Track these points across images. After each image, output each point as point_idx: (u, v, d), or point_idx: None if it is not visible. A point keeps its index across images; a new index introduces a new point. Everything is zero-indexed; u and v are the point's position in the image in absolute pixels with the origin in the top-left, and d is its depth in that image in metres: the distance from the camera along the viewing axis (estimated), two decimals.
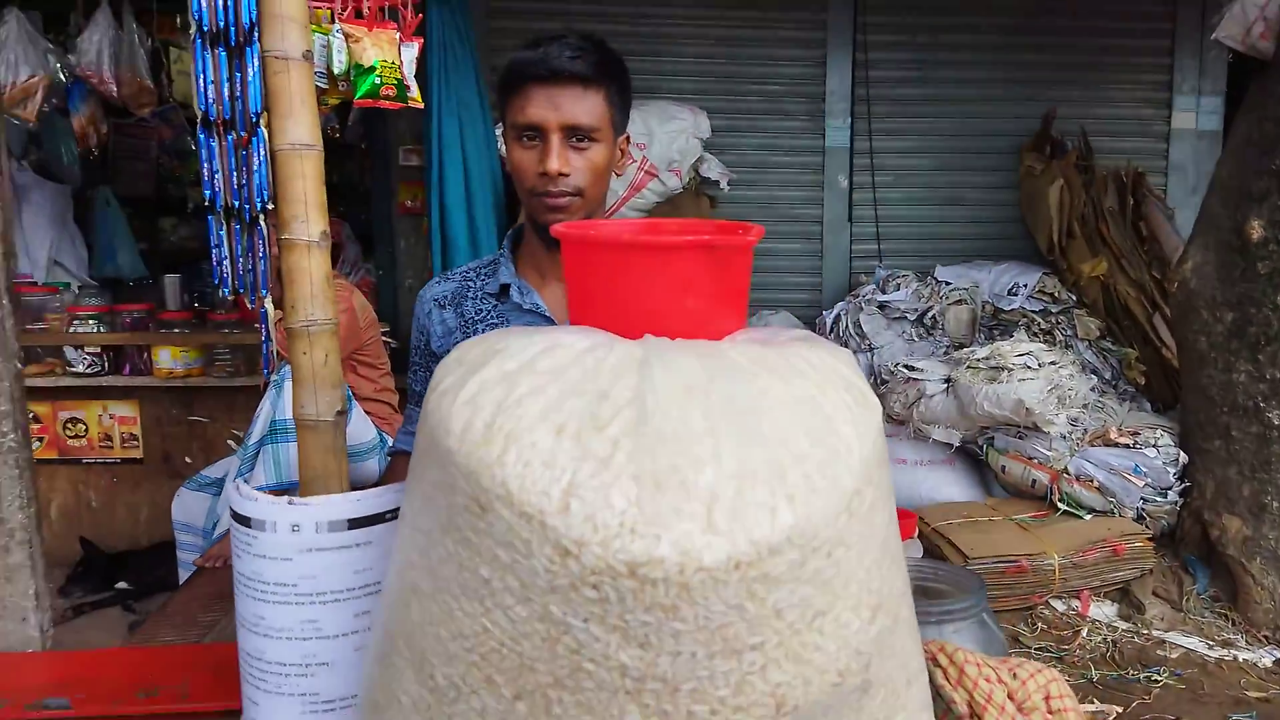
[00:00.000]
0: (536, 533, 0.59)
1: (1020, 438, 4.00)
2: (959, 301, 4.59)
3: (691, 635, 0.61)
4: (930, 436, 4.18)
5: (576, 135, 1.48)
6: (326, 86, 2.40)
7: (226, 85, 1.98)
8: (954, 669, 0.88)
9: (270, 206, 2.15)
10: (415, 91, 2.56)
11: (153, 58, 4.16)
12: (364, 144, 5.03)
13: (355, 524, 0.88)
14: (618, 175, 1.66)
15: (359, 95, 2.36)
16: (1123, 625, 3.47)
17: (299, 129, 2.20)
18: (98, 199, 5.19)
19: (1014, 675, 0.91)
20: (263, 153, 2.05)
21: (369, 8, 2.30)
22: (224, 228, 2.04)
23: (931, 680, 0.87)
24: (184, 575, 3.08)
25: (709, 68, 4.82)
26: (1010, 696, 0.91)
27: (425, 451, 0.71)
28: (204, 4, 1.93)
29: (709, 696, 0.61)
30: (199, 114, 2.02)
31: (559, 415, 0.64)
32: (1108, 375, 4.35)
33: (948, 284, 4.66)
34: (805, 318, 4.89)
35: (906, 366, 4.27)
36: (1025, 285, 4.58)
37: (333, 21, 2.30)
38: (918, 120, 5.01)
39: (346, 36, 2.30)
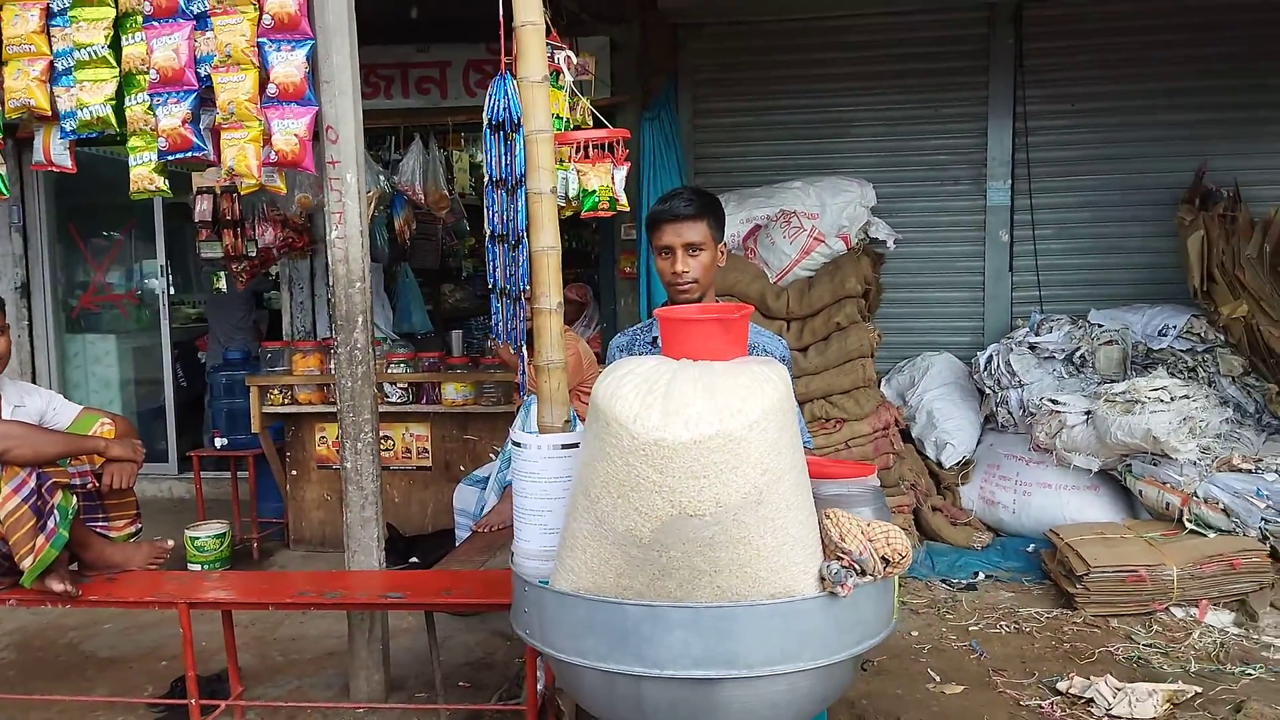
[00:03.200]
0: (624, 430, 1.56)
1: (1154, 464, 4.46)
2: (1109, 342, 5.06)
3: (679, 467, 1.53)
4: (1071, 463, 4.70)
5: (691, 249, 2.45)
6: (563, 205, 3.52)
7: (507, 211, 3.12)
8: (831, 518, 1.74)
9: (526, 288, 3.28)
10: (624, 199, 3.64)
11: (447, 169, 5.60)
12: (595, 222, 6.26)
13: (566, 447, 1.88)
14: (720, 266, 2.60)
15: (584, 210, 3.46)
16: (1234, 631, 3.87)
17: (546, 237, 3.36)
18: (400, 272, 6.75)
19: (867, 524, 1.74)
20: (524, 254, 3.17)
21: (592, 151, 3.41)
22: (500, 302, 3.18)
23: (820, 525, 1.74)
24: (460, 539, 4.29)
25: (877, 144, 5.64)
26: (862, 532, 1.73)
27: (591, 407, 1.68)
28: (493, 161, 3.09)
29: (689, 494, 1.52)
30: (488, 231, 3.19)
31: (636, 388, 1.61)
32: (1251, 409, 4.67)
33: (1100, 326, 5.15)
34: (966, 358, 5.51)
35: (1051, 400, 4.83)
36: (1174, 326, 4.99)
37: (568, 161, 3.43)
38: (1076, 178, 5.55)
39: (578, 171, 3.42)
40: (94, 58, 3.03)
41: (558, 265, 3.36)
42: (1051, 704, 3.32)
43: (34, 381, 6.83)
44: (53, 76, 3.10)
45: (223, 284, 6.20)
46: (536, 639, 1.77)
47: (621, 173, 3.62)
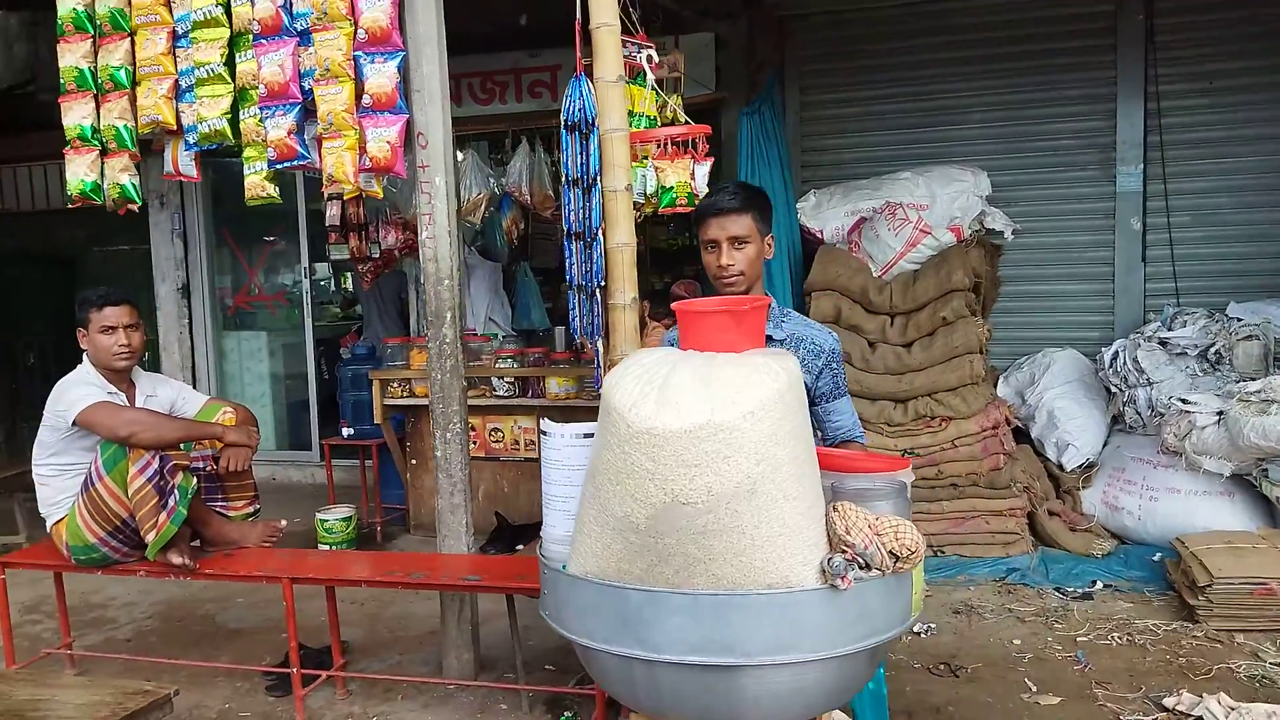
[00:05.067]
0: (621, 419, 1.60)
1: None
2: (1249, 337, 4.68)
3: (671, 455, 1.55)
4: (1202, 468, 4.38)
5: (736, 242, 2.47)
6: (641, 203, 3.58)
7: (582, 210, 3.22)
8: (839, 511, 1.70)
9: (602, 284, 3.36)
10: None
11: (553, 170, 5.77)
12: None
13: (587, 435, 1.94)
14: (767, 259, 2.59)
15: (662, 206, 3.52)
16: None
17: (621, 234, 3.44)
18: (519, 271, 6.99)
19: (876, 518, 1.69)
20: (599, 250, 3.26)
21: (671, 148, 3.46)
22: (576, 297, 3.28)
23: (826, 519, 1.72)
24: None
25: (993, 131, 5.42)
26: (870, 526, 1.69)
27: (602, 398, 1.74)
28: (569, 163, 3.20)
29: (680, 482, 1.55)
30: (564, 230, 3.30)
31: (637, 378, 1.65)
32: None
33: (1239, 320, 4.77)
34: (1094, 355, 5.23)
35: (1180, 400, 4.52)
36: None
37: (646, 159, 3.49)
38: (1215, 160, 5.16)
39: (656, 169, 3.47)
40: (211, 75, 3.32)
41: (632, 261, 3.44)
42: None
43: (194, 377, 7.49)
44: (178, 94, 3.42)
45: (350, 284, 6.58)
46: (554, 620, 1.84)
47: (704, 169, 3.64)
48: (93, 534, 3.32)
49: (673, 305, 1.88)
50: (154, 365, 7.77)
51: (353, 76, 3.19)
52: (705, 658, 1.61)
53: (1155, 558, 4.53)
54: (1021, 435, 5.27)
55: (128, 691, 2.58)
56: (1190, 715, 3.13)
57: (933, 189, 5.06)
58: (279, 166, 3.33)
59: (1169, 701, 3.22)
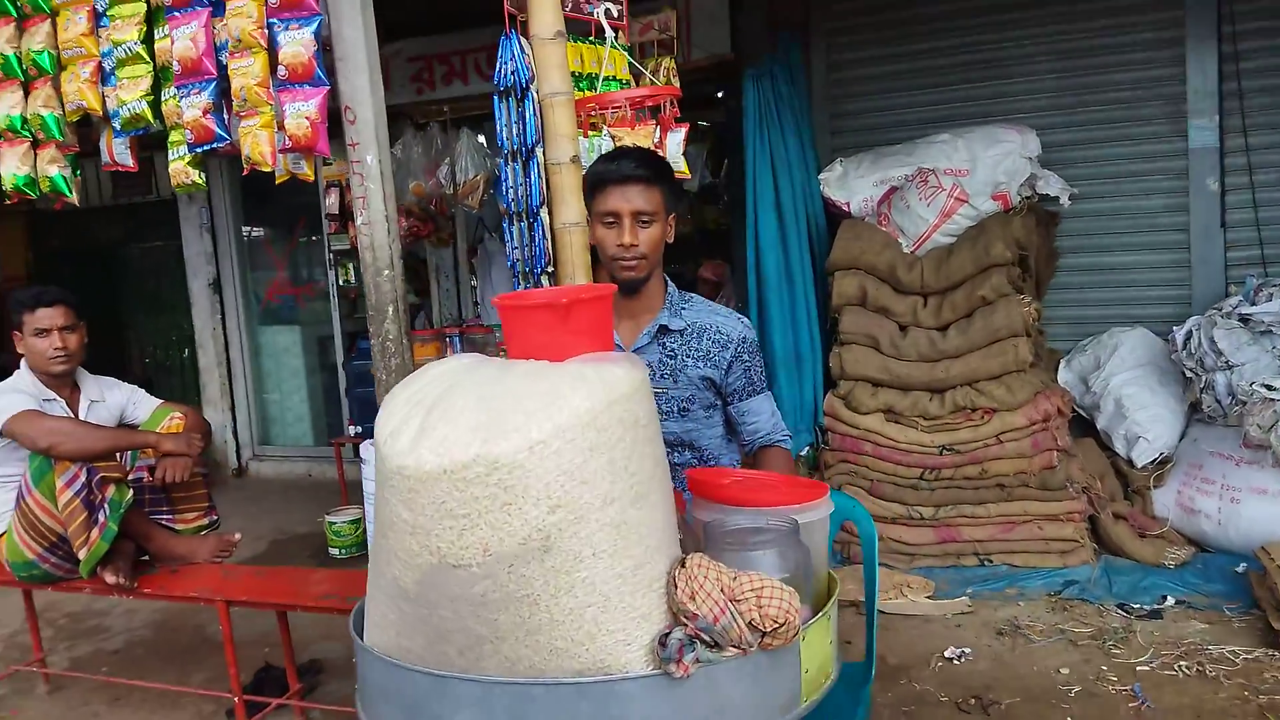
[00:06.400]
0: (379, 453, 1.22)
1: None
2: None
3: (431, 503, 1.16)
4: None
5: (642, 218, 2.05)
6: None
7: (520, 186, 2.85)
8: (686, 569, 1.27)
9: (550, 269, 2.97)
10: (682, 165, 3.24)
11: None
12: (724, 196, 5.83)
13: None
14: (669, 242, 2.17)
15: None
16: None
17: (569, 212, 3.03)
18: None
19: (734, 578, 1.25)
20: (540, 232, 2.87)
21: (629, 114, 3.03)
22: (521, 286, 2.91)
23: (668, 581, 1.29)
24: None
25: (1042, 85, 4.79)
26: (724, 590, 1.25)
27: None
28: (503, 134, 2.82)
29: (446, 538, 1.16)
30: (502, 209, 2.92)
31: (410, 397, 1.27)
32: None
33: None
34: (1167, 334, 4.58)
35: (1265, 385, 3.88)
36: None
37: (599, 127, 3.08)
38: None
39: (613, 137, 3.05)
40: (129, 54, 3.05)
41: (584, 244, 3.02)
42: None
43: (229, 371, 7.41)
44: (102, 77, 3.16)
45: (351, 276, 6.36)
46: (359, 699, 1.46)
47: (677, 136, 3.21)
48: (30, 550, 3.12)
49: (492, 300, 1.48)
50: (190, 361, 7.76)
51: (265, 47, 2.87)
52: None
53: (1239, 569, 3.92)
54: (1088, 427, 4.67)
55: None
56: None
57: (974, 151, 4.50)
58: (198, 150, 3.04)
59: None
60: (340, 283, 6.61)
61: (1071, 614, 3.81)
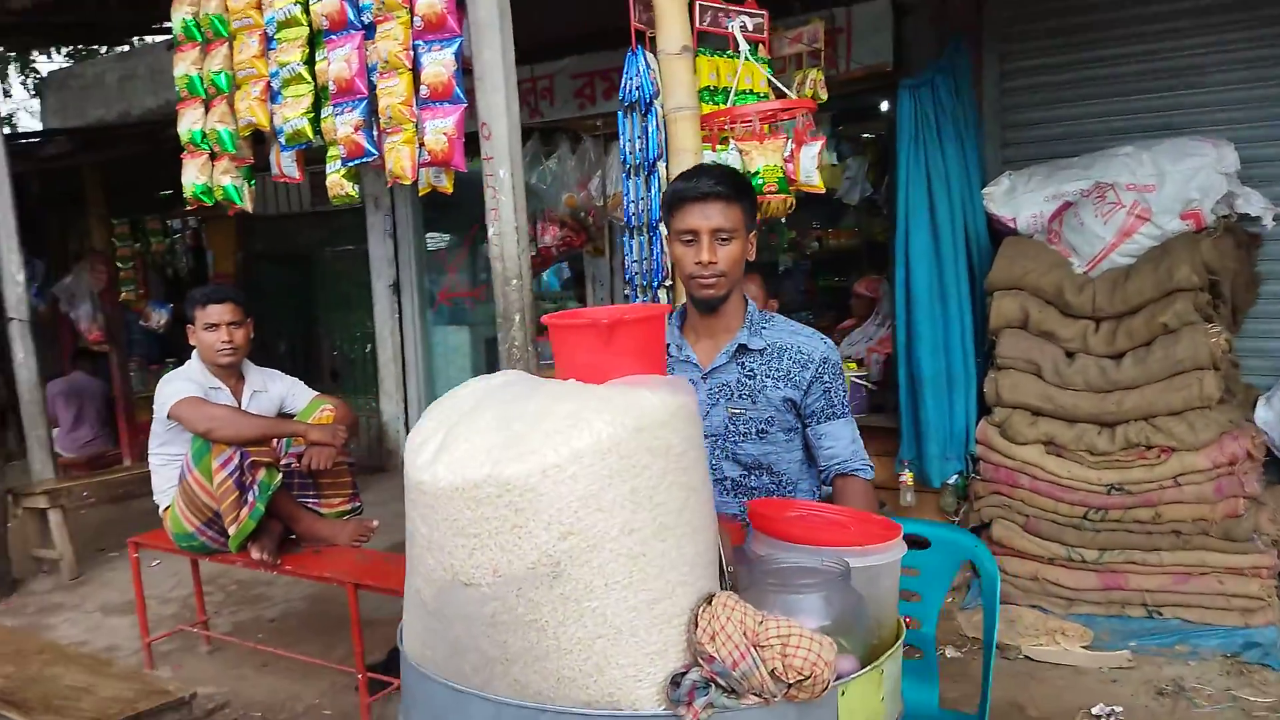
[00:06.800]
0: (405, 462, 1.24)
1: None
2: None
3: (445, 520, 1.15)
4: None
5: (720, 236, 1.98)
6: None
7: (642, 200, 2.85)
8: (711, 608, 1.17)
9: (669, 283, 2.95)
10: (816, 179, 3.13)
11: None
12: (885, 209, 5.59)
13: None
14: (750, 260, 2.09)
15: None
16: None
17: None
18: None
19: (760, 621, 1.13)
20: (660, 246, 2.86)
21: (759, 128, 2.96)
22: (638, 299, 2.92)
23: (692, 619, 1.21)
24: None
25: (1241, 95, 4.29)
26: (746, 634, 1.14)
27: None
28: (626, 149, 2.84)
29: (458, 556, 1.14)
30: (623, 224, 2.94)
31: (443, 412, 1.27)
32: None
33: None
34: None
35: None
36: None
37: (727, 141, 3.02)
38: None
39: (741, 152, 2.99)
40: (293, 75, 3.29)
41: None
42: None
43: (403, 369, 7.86)
44: (271, 96, 3.42)
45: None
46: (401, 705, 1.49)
47: (812, 150, 3.12)
48: (189, 523, 3.41)
49: (543, 319, 1.46)
50: (370, 357, 8.28)
51: (410, 67, 3.01)
52: None
53: None
54: None
55: (151, 690, 2.58)
56: None
57: (1161, 166, 4.09)
58: (350, 164, 3.23)
59: None
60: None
61: (1249, 679, 3.40)
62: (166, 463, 3.55)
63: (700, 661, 1.17)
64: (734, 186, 2.01)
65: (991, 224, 4.48)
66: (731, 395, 2.07)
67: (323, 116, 3.31)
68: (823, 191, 3.18)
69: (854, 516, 1.61)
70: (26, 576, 5.08)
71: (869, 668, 1.28)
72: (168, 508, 3.54)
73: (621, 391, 1.23)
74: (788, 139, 3.02)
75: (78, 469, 7.09)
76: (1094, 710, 3.19)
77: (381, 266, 7.79)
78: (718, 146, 3.01)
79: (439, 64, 2.95)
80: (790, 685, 1.17)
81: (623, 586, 1.16)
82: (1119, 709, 3.20)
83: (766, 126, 3.00)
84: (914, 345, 4.28)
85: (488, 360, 7.80)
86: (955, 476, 4.30)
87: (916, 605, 2.47)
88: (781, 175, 2.95)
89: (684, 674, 1.16)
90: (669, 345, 2.19)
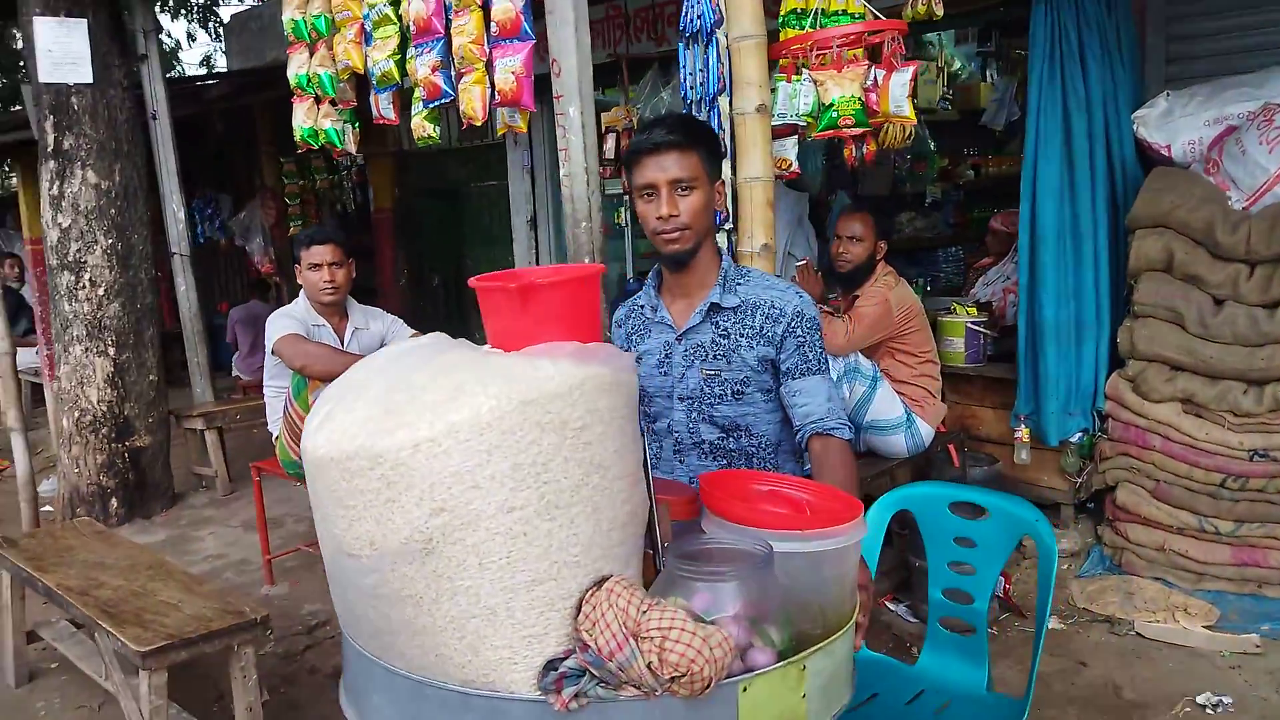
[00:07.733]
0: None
1: None
2: None
3: (326, 489, 1.12)
4: None
5: (680, 186, 1.84)
6: (804, 125, 2.90)
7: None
8: (598, 595, 1.07)
9: (729, 226, 2.81)
10: (907, 109, 2.86)
11: None
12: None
13: None
14: (718, 209, 1.96)
15: (819, 129, 2.80)
16: None
17: (752, 166, 2.83)
18: (836, 200, 6.35)
19: (644, 611, 1.02)
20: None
21: (835, 55, 2.72)
22: None
23: (580, 602, 1.14)
24: None
25: None
26: (625, 624, 1.04)
27: None
28: (685, 83, 2.69)
29: (340, 526, 1.12)
30: None
31: (348, 379, 1.25)
32: None
33: None
34: None
35: None
36: None
37: (799, 72, 2.79)
38: None
39: (815, 82, 2.77)
40: (381, 16, 3.32)
41: (766, 199, 2.84)
42: None
43: None
44: (365, 38, 3.47)
45: (624, 219, 6.49)
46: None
47: (902, 77, 2.84)
48: (294, 452, 3.63)
49: (469, 281, 1.40)
50: None
51: (481, 4, 2.97)
52: None
53: None
54: None
55: (228, 610, 2.78)
56: None
57: None
58: (430, 105, 3.25)
59: None
60: (614, 224, 6.83)
61: None
62: (276, 394, 3.78)
63: (577, 649, 1.12)
64: (689, 133, 1.88)
65: (1143, 152, 4.01)
66: (706, 356, 1.97)
67: (407, 58, 3.34)
68: (914, 123, 2.90)
69: (819, 491, 1.49)
70: (187, 491, 5.61)
71: (782, 663, 1.19)
72: (278, 437, 3.78)
73: (520, 361, 1.17)
74: (871, 66, 2.77)
75: (254, 390, 7.71)
76: (1199, 699, 2.90)
77: (520, 202, 7.92)
78: (793, 77, 2.80)
79: None
80: (671, 680, 1.10)
81: (499, 566, 1.12)
82: (1228, 699, 2.89)
83: (850, 52, 2.76)
84: (1037, 289, 3.92)
85: (613, 298, 7.84)
86: (1080, 434, 3.95)
87: (970, 578, 2.30)
88: (859, 107, 2.72)
89: (554, 663, 1.12)
90: (644, 307, 2.10)
